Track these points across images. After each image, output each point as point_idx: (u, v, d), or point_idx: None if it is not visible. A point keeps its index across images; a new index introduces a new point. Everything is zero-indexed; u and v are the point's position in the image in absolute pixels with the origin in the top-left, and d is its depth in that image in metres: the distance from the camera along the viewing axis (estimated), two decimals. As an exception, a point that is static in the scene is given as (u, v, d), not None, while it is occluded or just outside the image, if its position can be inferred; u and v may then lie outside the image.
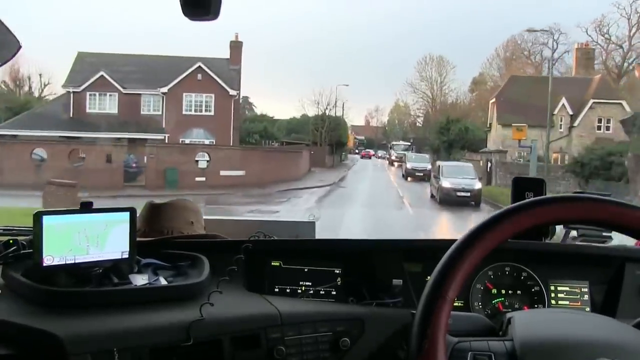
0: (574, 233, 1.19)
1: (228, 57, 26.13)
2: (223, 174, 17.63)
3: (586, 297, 1.09)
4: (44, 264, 0.87)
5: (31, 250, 0.90)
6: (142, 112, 24.05)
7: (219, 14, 0.91)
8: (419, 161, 26.56)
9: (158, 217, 1.21)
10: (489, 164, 23.32)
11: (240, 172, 18.00)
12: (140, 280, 0.94)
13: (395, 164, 39.85)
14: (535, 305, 1.07)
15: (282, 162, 21.38)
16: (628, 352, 0.65)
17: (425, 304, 0.65)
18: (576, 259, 1.12)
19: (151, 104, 24.25)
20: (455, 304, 1.04)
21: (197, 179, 17.16)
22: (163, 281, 0.95)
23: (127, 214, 0.94)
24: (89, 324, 0.80)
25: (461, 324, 0.80)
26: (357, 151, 64.86)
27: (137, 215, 1.03)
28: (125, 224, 0.94)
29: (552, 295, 1.08)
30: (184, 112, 24.02)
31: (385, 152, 55.07)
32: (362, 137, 72.84)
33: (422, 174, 24.44)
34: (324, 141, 35.72)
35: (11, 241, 0.96)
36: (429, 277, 0.66)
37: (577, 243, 1.19)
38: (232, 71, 25.46)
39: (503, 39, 54.62)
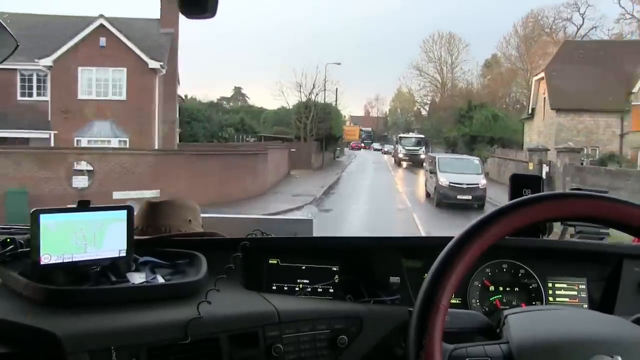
0: (571, 230, 1.74)
1: (158, 17, 25.55)
2: (117, 197, 15.36)
3: (584, 294, 1.63)
4: (42, 263, 1.31)
5: (29, 249, 1.34)
6: (18, 98, 23.32)
7: (216, 12, 1.46)
8: (465, 170, 20.56)
9: (155, 215, 1.73)
10: (546, 169, 20.83)
11: (151, 193, 15.72)
12: (137, 278, 1.41)
13: (404, 163, 42.15)
14: (533, 302, 1.61)
15: (236, 169, 20.29)
16: (626, 347, 0.94)
17: (420, 313, 0.93)
18: (574, 256, 1.67)
19: (33, 85, 23.61)
20: (453, 301, 1.56)
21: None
22: (160, 279, 1.43)
23: (124, 212, 1.42)
24: (87, 322, 1.19)
25: (459, 322, 1.22)
26: (362, 144, 71.61)
27: (135, 213, 1.53)
28: (122, 222, 1.42)
29: (550, 292, 1.63)
30: (79, 97, 23.27)
31: (392, 147, 55.77)
32: (369, 129, 78.10)
33: (469, 198, 19.39)
34: (310, 135, 37.30)
35: (8, 240, 1.43)
36: (426, 275, 0.97)
37: (574, 240, 1.74)
38: (162, 36, 24.90)
39: (523, 13, 61.37)
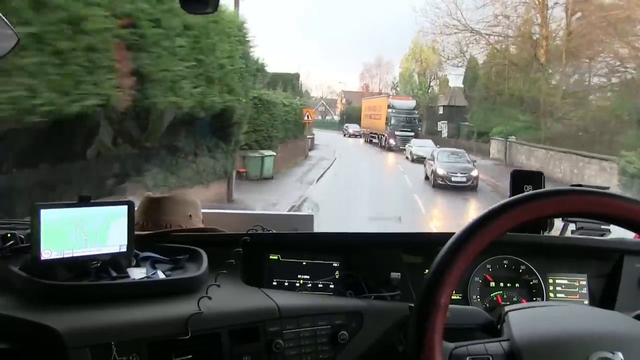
0: (572, 226, 1.72)
1: None
2: None
3: (585, 290, 1.62)
4: (42, 258, 1.30)
5: (29, 244, 1.33)
6: None
7: (217, 7, 1.44)
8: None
9: (156, 210, 1.72)
10: None
11: None
12: (138, 274, 1.40)
13: None
14: (534, 298, 1.60)
15: None
16: (627, 343, 0.96)
17: (419, 313, 0.94)
18: (575, 252, 1.66)
19: None
20: (454, 297, 1.55)
21: None
22: (161, 275, 1.42)
23: (125, 208, 1.40)
24: (87, 317, 1.19)
25: (459, 318, 1.25)
26: (391, 140, 32.69)
27: (136, 208, 1.50)
28: (123, 218, 1.40)
29: (551, 288, 1.62)
30: None
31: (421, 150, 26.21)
32: (412, 102, 37.13)
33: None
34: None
35: (9, 235, 1.42)
36: (427, 271, 0.99)
37: (575, 236, 1.73)
38: None
39: None
